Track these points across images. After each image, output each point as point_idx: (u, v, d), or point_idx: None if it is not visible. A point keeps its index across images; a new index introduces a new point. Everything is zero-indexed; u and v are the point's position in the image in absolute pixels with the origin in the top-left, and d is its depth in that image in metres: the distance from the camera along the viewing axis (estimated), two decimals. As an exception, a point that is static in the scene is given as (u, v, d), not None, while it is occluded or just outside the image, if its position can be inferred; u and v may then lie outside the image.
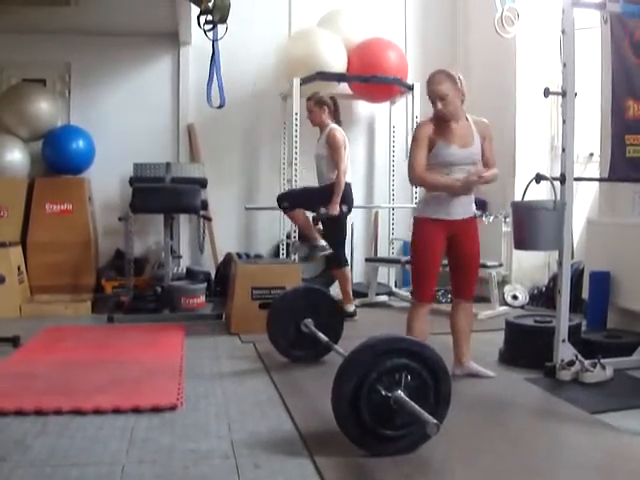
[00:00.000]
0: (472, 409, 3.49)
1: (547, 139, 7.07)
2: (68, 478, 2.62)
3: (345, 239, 6.15)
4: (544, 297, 6.70)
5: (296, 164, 6.72)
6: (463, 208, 4.01)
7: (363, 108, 8.00)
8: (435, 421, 2.61)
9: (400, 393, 2.78)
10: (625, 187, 5.30)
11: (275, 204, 7.42)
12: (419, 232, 4.04)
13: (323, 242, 5.89)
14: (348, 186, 5.88)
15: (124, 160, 7.21)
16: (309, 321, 4.39)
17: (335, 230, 5.91)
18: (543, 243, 4.10)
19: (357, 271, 7.62)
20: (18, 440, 3.02)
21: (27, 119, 7.04)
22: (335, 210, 5.71)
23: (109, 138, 7.40)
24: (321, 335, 4.25)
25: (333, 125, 5.90)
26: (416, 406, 2.71)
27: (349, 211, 5.96)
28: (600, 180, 5.61)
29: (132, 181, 6.96)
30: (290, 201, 5.96)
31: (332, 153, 5.80)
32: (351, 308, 5.98)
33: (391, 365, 2.81)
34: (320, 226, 6.03)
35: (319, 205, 5.80)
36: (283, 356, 4.52)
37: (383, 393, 2.78)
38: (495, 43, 6.79)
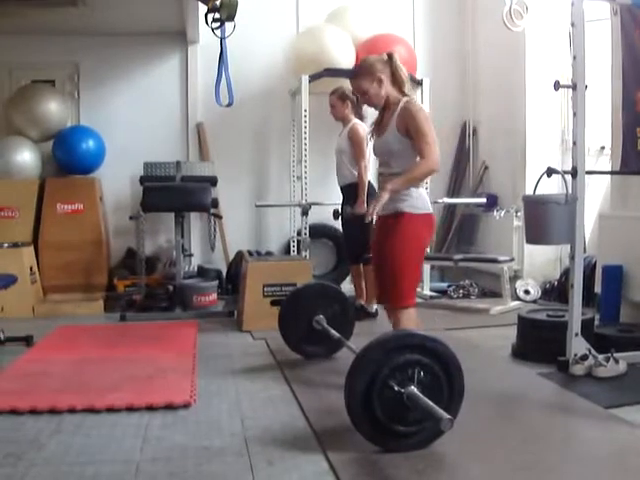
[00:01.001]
0: (485, 404, 3.48)
1: (558, 132, 7.04)
2: (83, 476, 2.64)
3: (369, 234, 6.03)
4: (556, 291, 6.69)
5: (306, 161, 6.72)
6: (387, 204, 3.54)
7: (372, 104, 7.98)
8: (449, 416, 2.61)
9: (413, 389, 2.78)
10: (637, 180, 5.27)
11: (285, 201, 7.44)
12: None
13: (375, 308, 5.81)
14: (370, 184, 5.77)
15: (134, 159, 7.24)
16: (321, 317, 4.38)
17: (363, 228, 5.75)
18: (555, 237, 4.08)
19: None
20: (33, 439, 3.04)
21: (37, 120, 7.07)
22: (362, 209, 5.55)
23: (119, 138, 7.43)
24: (333, 331, 4.25)
25: (356, 120, 5.86)
26: (429, 402, 2.70)
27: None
28: (612, 173, 5.58)
29: (142, 180, 6.98)
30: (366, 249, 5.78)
31: (353, 148, 5.75)
32: (373, 308, 5.92)
33: (404, 361, 2.80)
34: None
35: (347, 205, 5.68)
36: (295, 352, 4.52)
37: (396, 389, 2.78)
38: (504, 37, 6.77)
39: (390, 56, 3.67)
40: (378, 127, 3.77)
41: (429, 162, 3.48)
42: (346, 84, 6.92)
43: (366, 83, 3.65)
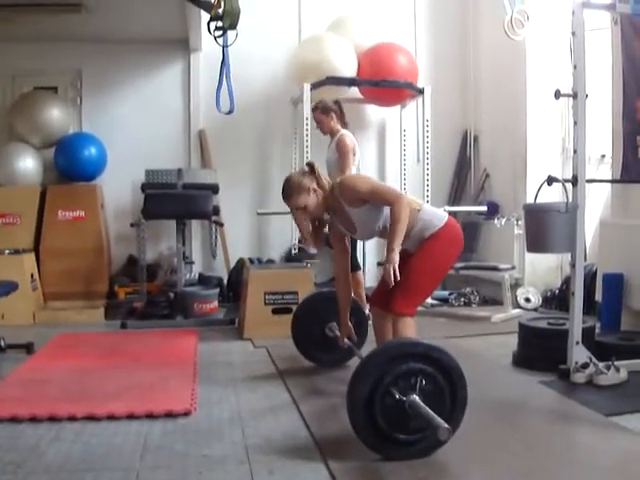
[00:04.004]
0: (487, 412, 3.47)
1: (558, 141, 7.05)
2: (83, 484, 2.63)
3: (357, 244, 6.04)
4: (557, 299, 6.69)
5: (307, 169, 6.72)
6: (410, 245, 3.68)
7: (374, 112, 8.01)
8: (447, 426, 2.60)
9: (415, 397, 2.77)
10: (637, 188, 5.27)
11: (286, 209, 7.43)
12: None
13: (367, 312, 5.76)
14: None
15: (136, 166, 7.25)
16: (334, 325, 4.36)
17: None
18: (556, 245, 4.09)
19: (369, 275, 7.62)
20: (33, 446, 3.03)
21: (39, 127, 7.09)
22: None
23: (121, 145, 7.45)
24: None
25: (344, 131, 5.85)
26: (429, 410, 2.70)
27: None
28: (612, 182, 5.58)
29: (144, 187, 6.98)
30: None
31: (340, 158, 5.71)
32: (365, 310, 5.89)
33: (406, 369, 2.80)
34: None
35: None
36: (307, 359, 4.51)
37: (398, 397, 2.78)
38: (505, 45, 6.78)
39: (311, 166, 3.80)
40: (339, 222, 3.84)
41: (399, 204, 3.48)
42: (348, 93, 6.99)
43: (302, 199, 3.74)
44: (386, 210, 3.59)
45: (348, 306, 4.13)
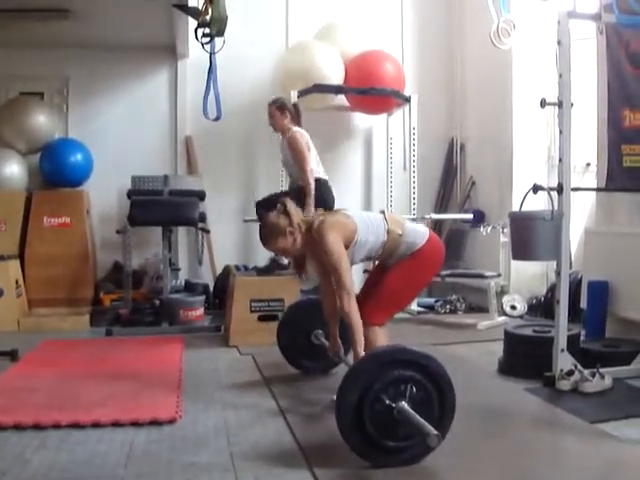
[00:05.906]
0: (472, 419, 3.47)
1: (544, 149, 7.09)
2: (68, 492, 2.62)
3: None
4: (542, 307, 6.70)
5: (294, 176, 6.73)
6: (387, 259, 3.85)
7: (360, 120, 8.02)
8: (436, 432, 2.60)
9: (404, 404, 2.77)
10: (622, 197, 5.31)
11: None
12: None
13: (286, 261, 5.68)
14: (323, 183, 5.71)
15: (122, 173, 7.23)
16: (319, 332, 4.36)
17: None
18: (541, 253, 4.11)
19: (356, 283, 7.60)
20: (17, 454, 3.01)
21: (25, 132, 7.05)
22: (310, 213, 5.45)
23: (107, 151, 7.42)
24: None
25: (295, 128, 5.77)
26: (418, 417, 2.70)
27: (331, 209, 5.82)
28: (597, 190, 5.61)
29: (130, 194, 6.96)
30: None
31: (295, 156, 5.67)
32: None
33: (396, 376, 2.80)
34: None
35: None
36: (293, 366, 4.49)
37: (387, 404, 2.78)
38: (491, 54, 6.81)
39: (283, 204, 3.70)
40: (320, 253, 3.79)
41: (346, 302, 3.55)
42: (335, 100, 6.99)
43: (281, 242, 3.70)
44: (368, 245, 3.68)
45: (337, 321, 4.09)
